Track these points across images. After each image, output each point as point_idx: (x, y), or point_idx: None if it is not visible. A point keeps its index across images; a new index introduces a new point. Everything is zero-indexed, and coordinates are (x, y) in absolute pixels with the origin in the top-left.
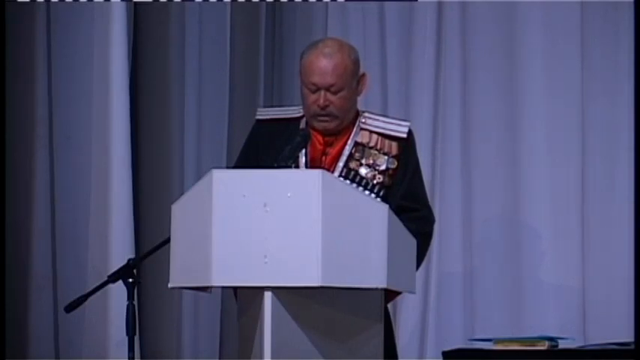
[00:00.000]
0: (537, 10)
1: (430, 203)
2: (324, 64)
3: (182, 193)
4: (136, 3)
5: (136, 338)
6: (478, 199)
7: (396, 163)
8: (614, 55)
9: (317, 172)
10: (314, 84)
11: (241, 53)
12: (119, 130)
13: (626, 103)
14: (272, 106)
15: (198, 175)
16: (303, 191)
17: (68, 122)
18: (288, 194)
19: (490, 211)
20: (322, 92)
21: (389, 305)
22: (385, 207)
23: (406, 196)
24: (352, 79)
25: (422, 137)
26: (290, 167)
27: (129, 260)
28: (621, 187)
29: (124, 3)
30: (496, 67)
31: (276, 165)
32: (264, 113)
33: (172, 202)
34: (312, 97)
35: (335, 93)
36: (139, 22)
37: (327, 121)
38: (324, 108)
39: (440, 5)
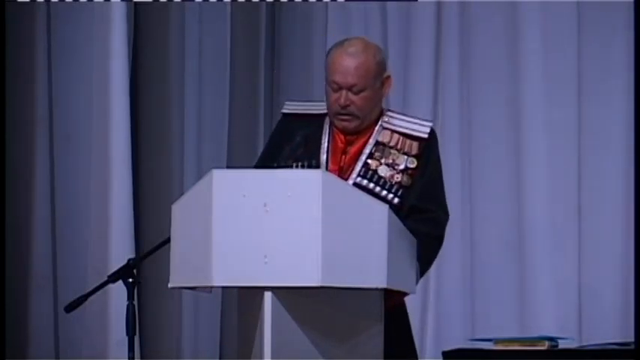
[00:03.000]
0: (535, 10)
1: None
2: (347, 64)
3: (182, 193)
4: (136, 3)
5: (136, 338)
6: (478, 198)
7: (415, 162)
8: (611, 55)
9: (317, 172)
10: (336, 83)
11: (241, 53)
12: (119, 130)
13: (623, 102)
14: (300, 101)
15: (199, 175)
16: (303, 191)
17: (68, 122)
18: (288, 194)
19: (490, 211)
20: (344, 92)
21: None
22: (385, 207)
23: (421, 197)
24: (375, 80)
25: None
26: (290, 167)
27: (129, 260)
28: (619, 185)
29: (124, 3)
30: (495, 66)
31: (276, 165)
32: (290, 107)
33: (172, 202)
34: (334, 95)
35: (356, 93)
36: (139, 22)
37: (347, 120)
38: (344, 107)
39: (439, 5)
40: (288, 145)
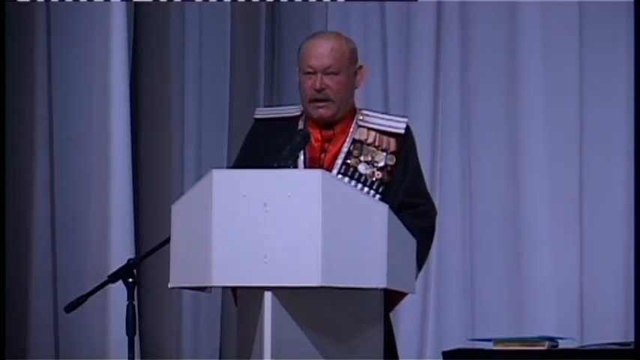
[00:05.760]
0: (536, 10)
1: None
2: (322, 48)
3: (182, 193)
4: (136, 3)
5: (136, 338)
6: (478, 197)
7: (394, 159)
8: (612, 55)
9: (317, 172)
10: (311, 66)
11: (241, 53)
12: (119, 130)
13: (623, 102)
14: (271, 106)
15: (198, 175)
16: (303, 191)
17: (68, 122)
18: (288, 194)
19: (490, 210)
20: (319, 75)
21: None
22: (385, 207)
23: (408, 192)
24: (349, 64)
25: (422, 136)
26: (290, 167)
27: (129, 260)
28: (619, 186)
29: (123, 3)
30: (495, 66)
31: (276, 165)
32: (263, 112)
33: (172, 202)
34: (309, 82)
35: (332, 76)
36: (139, 22)
37: (323, 106)
38: (320, 91)
39: (439, 5)
40: (287, 145)
